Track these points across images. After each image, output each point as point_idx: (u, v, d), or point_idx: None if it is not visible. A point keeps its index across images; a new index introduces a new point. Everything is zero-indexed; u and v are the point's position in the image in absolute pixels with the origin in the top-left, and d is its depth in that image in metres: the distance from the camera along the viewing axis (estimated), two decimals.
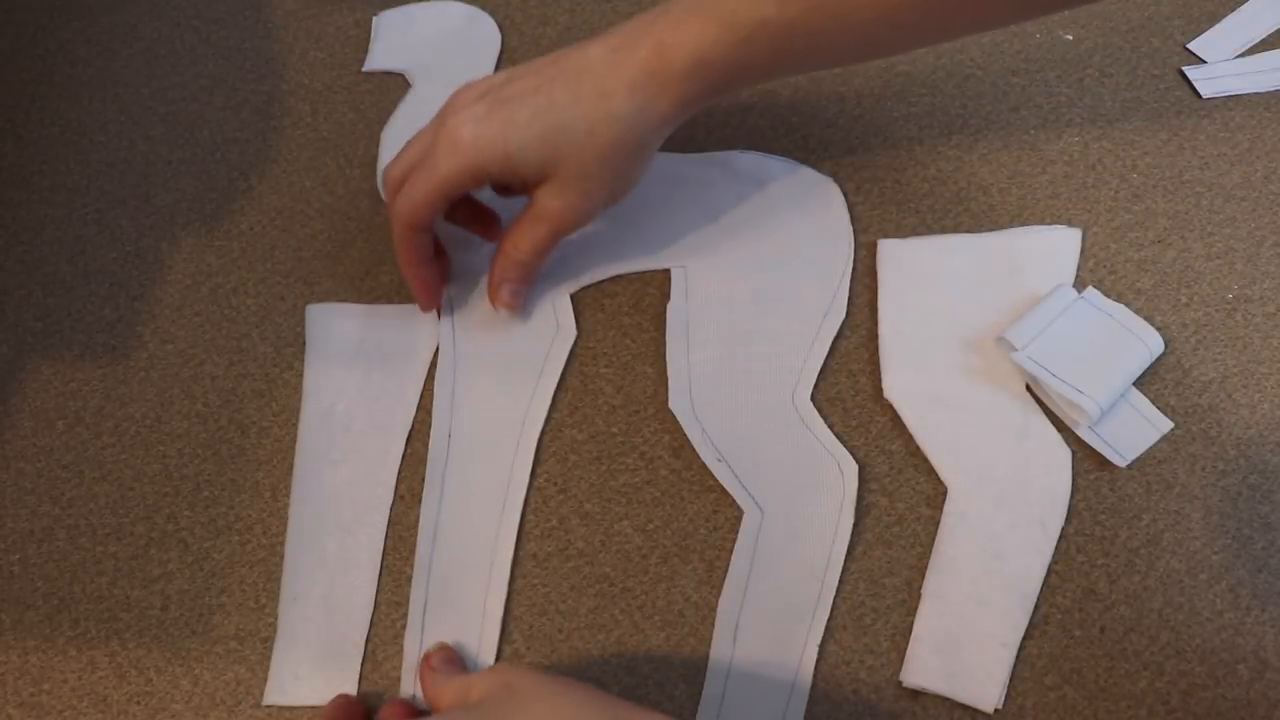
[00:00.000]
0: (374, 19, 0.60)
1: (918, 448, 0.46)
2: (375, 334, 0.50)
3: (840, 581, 0.44)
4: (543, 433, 0.47)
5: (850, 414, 0.47)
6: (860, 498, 0.45)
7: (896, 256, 0.50)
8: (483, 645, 0.43)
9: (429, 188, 0.45)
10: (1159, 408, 0.46)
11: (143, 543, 0.46)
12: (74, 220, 0.54)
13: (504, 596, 0.44)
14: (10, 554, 0.46)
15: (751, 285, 0.50)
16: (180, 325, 0.51)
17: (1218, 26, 0.57)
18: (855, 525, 0.45)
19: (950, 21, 0.44)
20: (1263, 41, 0.57)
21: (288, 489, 0.47)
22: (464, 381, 0.48)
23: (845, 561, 0.44)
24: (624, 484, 0.46)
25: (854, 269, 0.51)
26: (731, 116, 0.55)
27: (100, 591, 0.45)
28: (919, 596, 0.43)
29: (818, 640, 0.42)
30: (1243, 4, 0.58)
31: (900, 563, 0.44)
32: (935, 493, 0.45)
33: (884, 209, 0.52)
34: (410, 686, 0.42)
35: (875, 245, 0.51)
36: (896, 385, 0.47)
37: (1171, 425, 0.46)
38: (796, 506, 0.45)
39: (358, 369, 0.49)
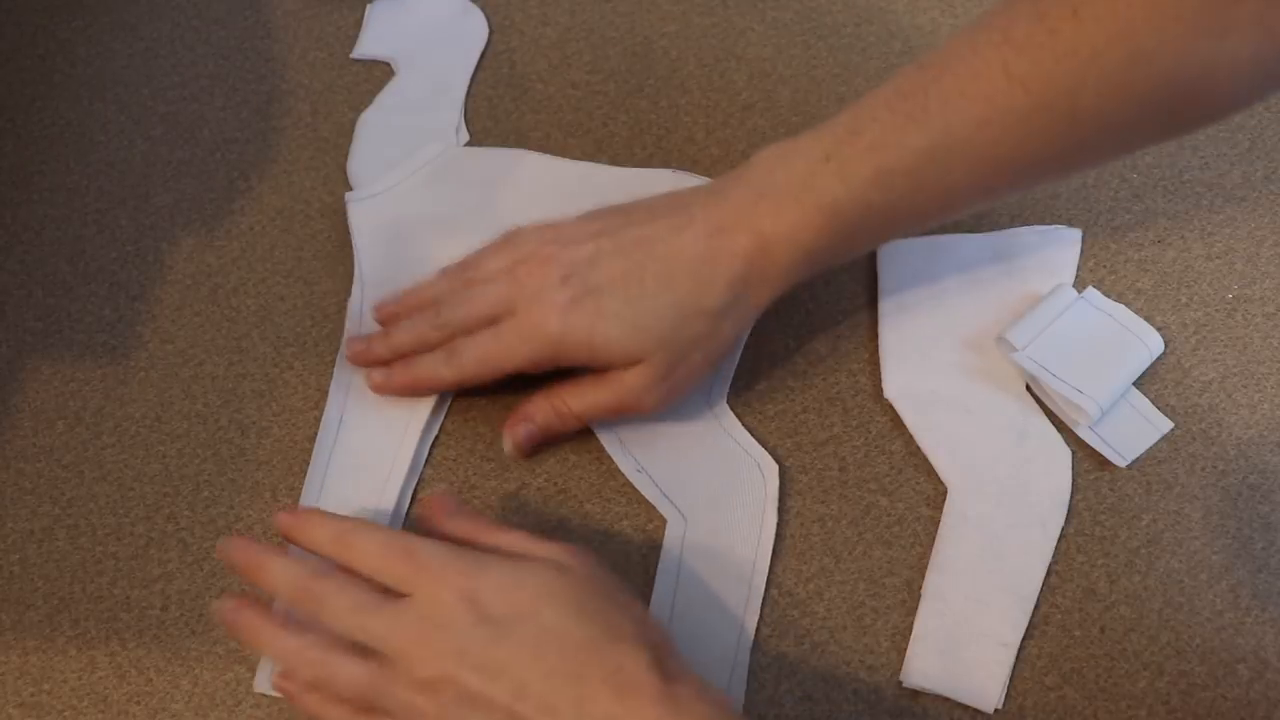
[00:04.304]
0: (368, 7, 0.60)
1: (918, 448, 0.46)
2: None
3: (840, 581, 0.44)
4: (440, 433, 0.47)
5: (850, 414, 0.47)
6: (860, 498, 0.46)
7: (896, 256, 0.50)
8: None
9: (492, 368, 0.44)
10: (1159, 408, 0.46)
11: (143, 543, 0.46)
12: (74, 220, 0.54)
13: None
14: (10, 554, 0.46)
15: None
16: (180, 325, 0.51)
17: None
18: (855, 525, 0.45)
19: (1034, 183, 0.45)
20: None
21: (288, 489, 0.47)
22: (361, 370, 0.48)
23: (845, 561, 0.44)
24: (624, 484, 0.46)
25: (854, 269, 0.51)
26: (731, 117, 0.55)
27: (100, 591, 0.45)
28: (919, 596, 0.43)
29: (749, 644, 0.42)
30: None
31: (900, 563, 0.44)
32: (935, 493, 0.45)
33: None
34: (264, 679, 0.42)
35: None
36: (896, 385, 0.47)
37: (1171, 425, 0.46)
38: (719, 511, 0.45)
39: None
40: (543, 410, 0.45)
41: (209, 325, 0.51)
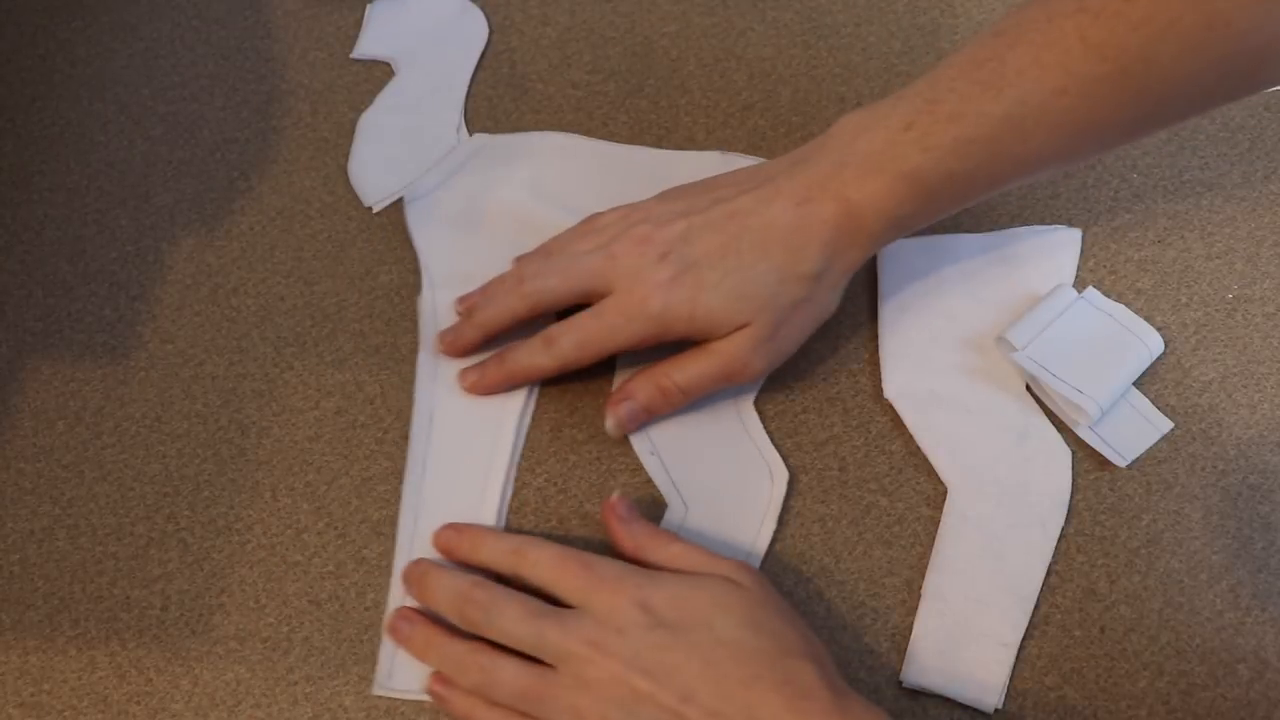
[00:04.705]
0: (368, 7, 0.60)
1: (918, 448, 0.46)
2: None
3: (840, 581, 0.44)
4: (532, 424, 0.47)
5: (850, 414, 0.47)
6: (860, 498, 0.46)
7: (896, 256, 0.50)
8: None
9: (594, 350, 0.44)
10: (1159, 408, 0.46)
11: (143, 543, 0.46)
12: (74, 220, 0.54)
13: None
14: (10, 554, 0.46)
15: None
16: (180, 325, 0.51)
17: None
18: (855, 525, 0.45)
19: (1110, 146, 0.45)
20: None
21: (288, 489, 0.47)
22: (446, 362, 0.48)
23: (845, 561, 0.44)
24: (624, 484, 0.46)
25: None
26: (731, 117, 0.55)
27: (100, 591, 0.45)
28: (919, 596, 0.43)
29: None
30: None
31: (900, 563, 0.44)
32: (935, 493, 0.45)
33: None
34: (382, 682, 0.42)
35: None
36: (896, 385, 0.47)
37: (1171, 425, 0.46)
38: (720, 506, 0.45)
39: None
40: (644, 388, 0.45)
41: (209, 325, 0.51)
